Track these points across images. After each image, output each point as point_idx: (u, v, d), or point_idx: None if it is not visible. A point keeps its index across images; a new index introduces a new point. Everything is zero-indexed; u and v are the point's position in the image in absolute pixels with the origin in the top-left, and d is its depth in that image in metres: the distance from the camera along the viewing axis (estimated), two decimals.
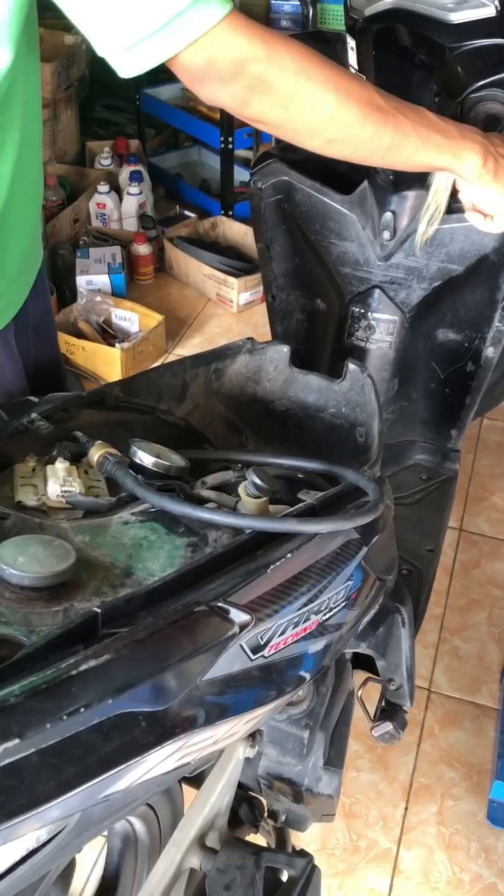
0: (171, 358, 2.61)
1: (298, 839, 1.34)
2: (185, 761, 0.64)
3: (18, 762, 0.50)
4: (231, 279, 2.75)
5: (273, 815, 1.18)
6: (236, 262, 2.86)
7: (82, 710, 0.52)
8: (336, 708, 1.11)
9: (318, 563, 0.76)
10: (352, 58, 1.23)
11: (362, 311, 1.55)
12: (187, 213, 3.17)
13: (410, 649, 1.15)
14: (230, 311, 2.82)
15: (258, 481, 0.84)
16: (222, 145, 2.97)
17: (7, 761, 0.49)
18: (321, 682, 1.06)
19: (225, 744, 0.69)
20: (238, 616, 0.65)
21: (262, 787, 1.13)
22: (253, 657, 0.68)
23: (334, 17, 3.64)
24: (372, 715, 1.14)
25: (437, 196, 1.27)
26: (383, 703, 1.15)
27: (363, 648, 1.06)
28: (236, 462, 0.96)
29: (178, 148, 3.64)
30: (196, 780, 1.08)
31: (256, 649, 0.68)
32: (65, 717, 0.51)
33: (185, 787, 1.14)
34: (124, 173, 3.08)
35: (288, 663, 0.75)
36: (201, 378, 1.25)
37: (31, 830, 0.51)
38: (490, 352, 1.54)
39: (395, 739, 1.12)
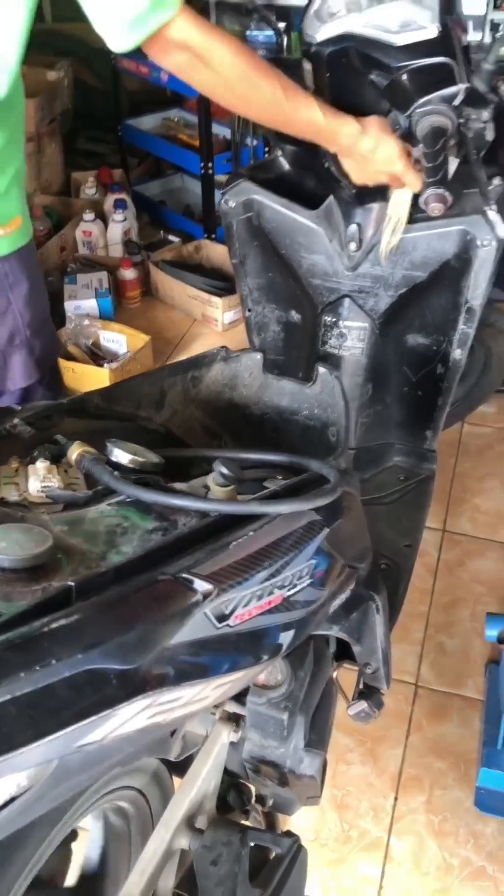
0: None
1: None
2: (157, 720, 0.69)
3: None
4: (215, 299, 2.83)
5: (261, 799, 1.23)
6: (220, 282, 2.94)
7: (53, 662, 0.57)
8: (315, 692, 1.15)
9: (279, 540, 0.82)
10: (309, 80, 1.30)
11: (334, 319, 1.62)
12: (171, 237, 3.25)
13: (385, 635, 1.20)
14: (215, 330, 2.89)
15: (225, 470, 0.90)
16: (202, 171, 3.06)
17: None
18: (299, 666, 1.11)
19: (195, 708, 0.74)
20: (201, 585, 0.71)
21: (248, 773, 1.17)
22: (219, 625, 0.73)
23: None
24: (350, 697, 1.19)
25: (398, 207, 1.34)
26: (361, 686, 1.20)
27: (336, 632, 1.11)
28: (208, 458, 1.02)
29: (161, 176, 3.74)
30: (184, 768, 1.13)
31: (221, 618, 0.74)
32: (37, 668, 0.57)
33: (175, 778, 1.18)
34: (109, 201, 3.17)
35: (256, 635, 0.80)
36: (179, 386, 1.32)
37: (9, 773, 0.57)
38: (457, 353, 1.61)
39: (371, 718, 1.17)
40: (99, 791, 0.99)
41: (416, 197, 1.29)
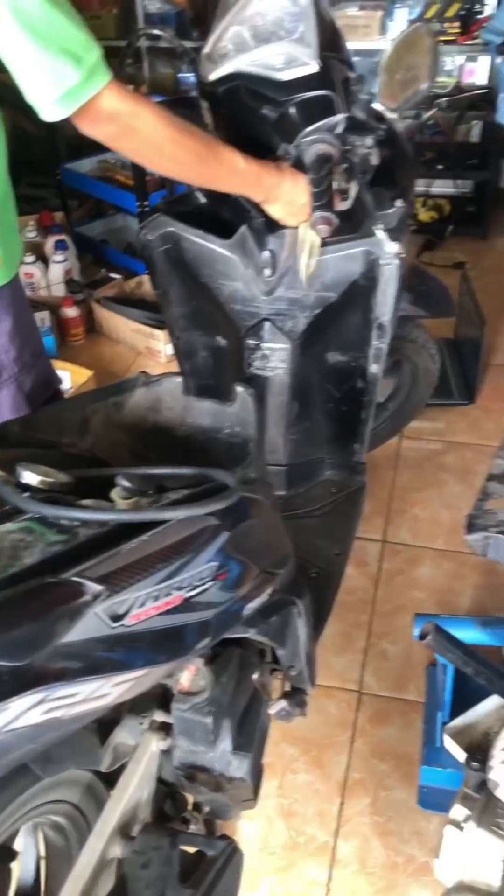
0: None
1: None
2: (55, 716, 0.73)
3: None
4: (157, 332, 2.90)
5: (198, 807, 1.26)
6: (162, 315, 3.00)
7: None
8: (241, 696, 1.20)
9: (174, 544, 0.87)
10: (207, 117, 1.38)
11: (256, 342, 1.69)
12: (113, 275, 3.33)
13: (308, 638, 1.25)
14: (160, 362, 2.96)
15: (126, 483, 0.95)
16: (139, 209, 3.14)
17: None
18: (222, 671, 1.15)
19: (96, 705, 0.78)
20: (91, 587, 0.75)
21: (182, 782, 1.21)
22: (113, 625, 0.78)
23: None
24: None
25: (309, 232, 1.41)
26: (287, 688, 1.25)
27: (254, 635, 1.15)
28: (118, 475, 1.06)
29: (102, 217, 3.83)
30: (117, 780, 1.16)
31: (116, 618, 0.78)
32: None
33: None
34: (49, 243, 3.24)
35: (157, 634, 0.85)
36: (101, 412, 1.37)
37: None
38: (374, 368, 1.68)
39: (292, 716, 1.21)
40: (26, 805, 1.02)
41: None
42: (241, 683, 1.19)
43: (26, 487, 0.97)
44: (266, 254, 1.58)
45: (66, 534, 0.88)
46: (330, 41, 1.29)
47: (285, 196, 1.34)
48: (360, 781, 1.62)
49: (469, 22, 3.42)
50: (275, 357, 1.70)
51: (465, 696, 1.59)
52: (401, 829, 1.53)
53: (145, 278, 3.23)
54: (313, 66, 1.23)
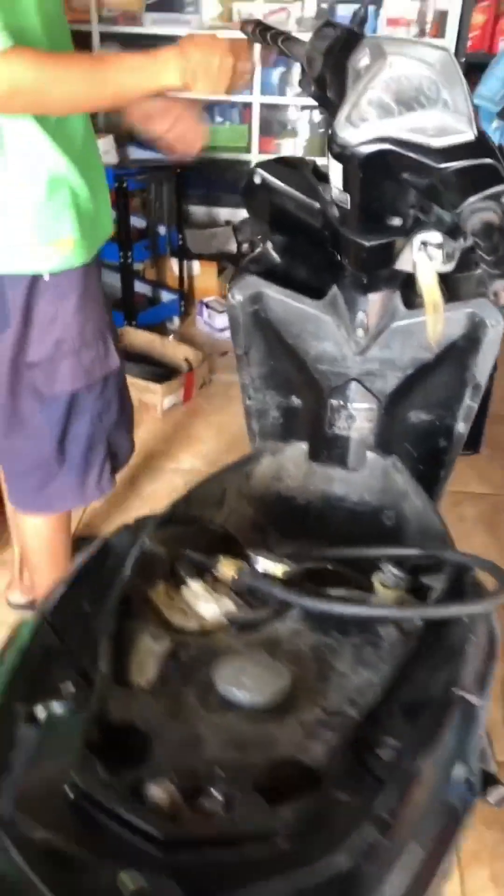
0: None
1: None
2: None
3: None
4: (154, 385, 2.81)
5: None
6: (151, 368, 2.93)
7: None
8: None
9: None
10: (336, 179, 1.36)
11: (342, 402, 1.66)
12: None
13: None
14: (155, 416, 2.86)
15: (397, 572, 0.89)
16: (122, 260, 3.06)
17: None
18: None
19: None
20: (478, 703, 0.70)
21: None
22: None
23: None
24: None
25: (430, 292, 1.39)
26: None
27: None
28: (382, 561, 0.99)
29: None
30: None
31: None
32: None
33: None
34: None
35: None
36: (235, 483, 1.30)
37: None
38: (461, 427, 1.68)
39: None
40: None
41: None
42: None
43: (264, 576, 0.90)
44: (361, 315, 1.56)
45: (365, 633, 0.82)
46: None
47: (195, 58, 1.31)
48: (475, 853, 1.57)
49: None
50: (360, 417, 1.67)
51: None
52: None
53: (126, 330, 3.14)
54: (469, 135, 1.23)
